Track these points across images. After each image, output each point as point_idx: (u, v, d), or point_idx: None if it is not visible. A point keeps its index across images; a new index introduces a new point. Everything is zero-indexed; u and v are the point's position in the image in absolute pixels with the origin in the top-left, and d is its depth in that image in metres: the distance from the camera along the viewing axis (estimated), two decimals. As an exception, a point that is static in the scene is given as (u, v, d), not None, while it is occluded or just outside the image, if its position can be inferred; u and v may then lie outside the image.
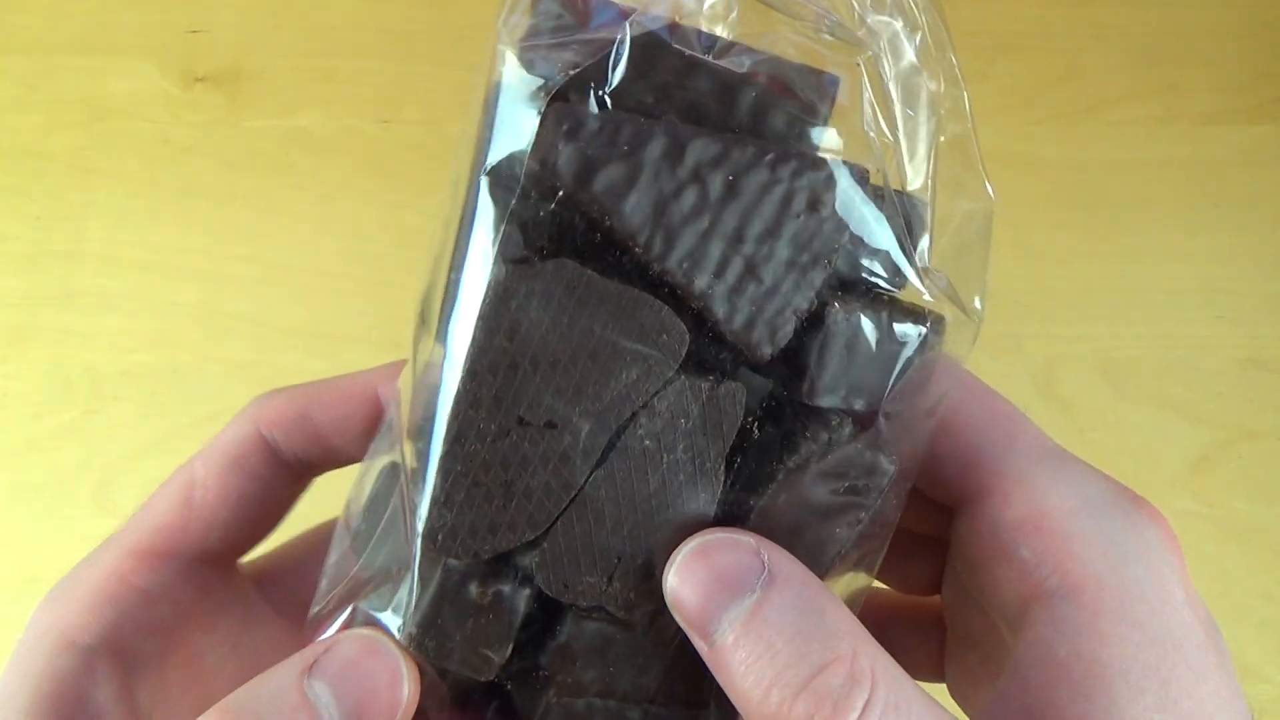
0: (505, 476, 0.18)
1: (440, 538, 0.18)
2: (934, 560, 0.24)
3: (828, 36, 0.19)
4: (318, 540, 0.26)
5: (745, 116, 0.19)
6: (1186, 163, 0.50)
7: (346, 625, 0.21)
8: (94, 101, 0.51)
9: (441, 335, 0.19)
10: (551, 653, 0.20)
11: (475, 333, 0.18)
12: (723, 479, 0.19)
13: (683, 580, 0.18)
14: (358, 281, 0.48)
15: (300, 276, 0.49)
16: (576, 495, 0.19)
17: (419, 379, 0.20)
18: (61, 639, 0.20)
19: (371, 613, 0.20)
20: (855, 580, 0.22)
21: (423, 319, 0.20)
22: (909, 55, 0.20)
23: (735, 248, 0.18)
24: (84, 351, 0.48)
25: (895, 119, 0.20)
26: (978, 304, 0.22)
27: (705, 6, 0.19)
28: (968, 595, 0.22)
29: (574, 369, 0.18)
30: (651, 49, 0.18)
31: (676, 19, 0.19)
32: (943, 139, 0.21)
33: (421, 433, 0.19)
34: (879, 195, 0.19)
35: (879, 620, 0.25)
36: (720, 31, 0.19)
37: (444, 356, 0.19)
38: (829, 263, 0.19)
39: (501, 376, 0.18)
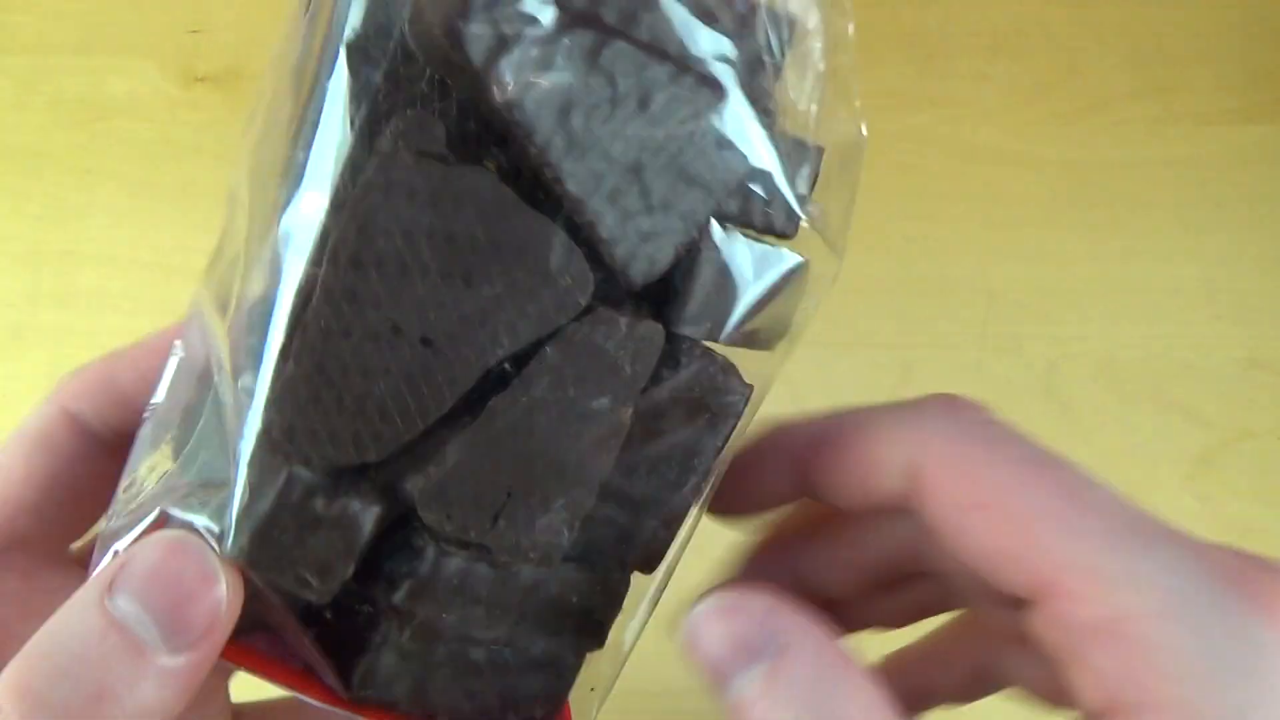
0: (362, 385, 0.17)
1: (275, 434, 0.17)
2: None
3: None
4: None
5: (656, 35, 0.18)
6: (1186, 163, 0.50)
7: (155, 529, 0.19)
8: (94, 101, 0.51)
9: (275, 222, 0.17)
10: (406, 588, 0.18)
11: (364, 220, 0.16)
12: (628, 424, 0.18)
13: (699, 631, 0.18)
14: (358, 281, 0.48)
15: (300, 276, 0.49)
16: (461, 423, 0.17)
17: (244, 263, 0.19)
18: None
19: (185, 517, 0.18)
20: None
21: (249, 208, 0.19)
22: None
23: (634, 170, 0.17)
24: (84, 351, 0.47)
25: (784, 45, 0.19)
26: (842, 239, 0.21)
27: None
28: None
29: (468, 288, 0.17)
30: None
31: None
32: (822, 68, 0.20)
33: (253, 327, 0.17)
34: (768, 120, 0.19)
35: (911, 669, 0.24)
36: None
37: (284, 246, 0.17)
38: (719, 199, 0.18)
39: (379, 276, 0.16)
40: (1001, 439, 0.19)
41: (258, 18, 0.53)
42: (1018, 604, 0.19)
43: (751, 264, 0.19)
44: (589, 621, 0.21)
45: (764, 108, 0.18)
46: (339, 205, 0.16)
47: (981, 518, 0.18)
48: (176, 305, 0.48)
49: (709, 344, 0.19)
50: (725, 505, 0.22)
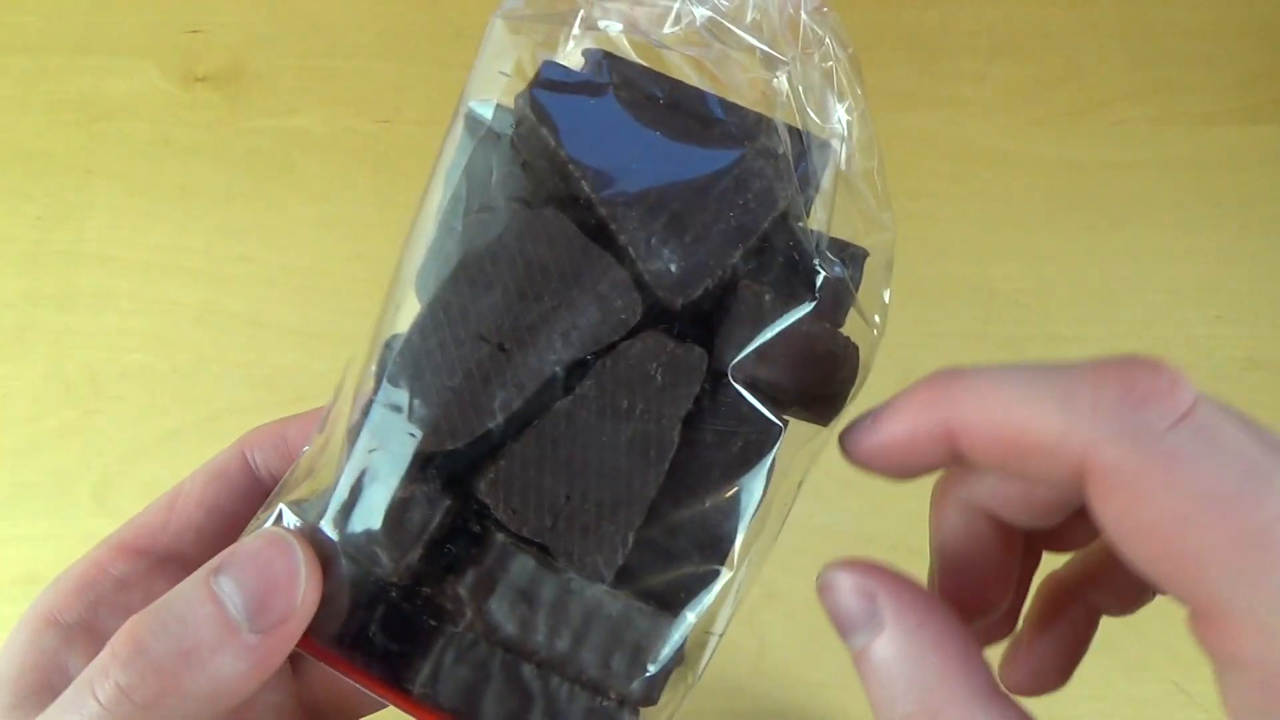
0: (448, 380, 0.20)
1: (376, 420, 0.20)
2: None
3: (762, 46, 0.22)
4: None
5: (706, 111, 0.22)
6: (1186, 163, 0.50)
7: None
8: (94, 101, 0.51)
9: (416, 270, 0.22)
10: (472, 577, 0.21)
11: (463, 246, 0.21)
12: (676, 445, 0.21)
13: (822, 596, 0.19)
14: (358, 281, 0.48)
15: (300, 276, 0.49)
16: (523, 424, 0.20)
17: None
18: (46, 618, 0.23)
19: (296, 510, 0.22)
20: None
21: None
22: (826, 85, 0.23)
23: (665, 200, 0.21)
24: (84, 351, 0.48)
25: (807, 151, 0.23)
26: (878, 319, 0.24)
27: (664, 28, 0.23)
28: None
29: (536, 304, 0.20)
30: (628, 65, 0.22)
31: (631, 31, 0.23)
32: (844, 169, 0.24)
33: (376, 361, 0.21)
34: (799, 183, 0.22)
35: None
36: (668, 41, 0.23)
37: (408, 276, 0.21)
38: (748, 238, 0.21)
39: (474, 292, 0.20)
40: (1184, 457, 0.16)
41: (258, 18, 0.53)
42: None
43: (779, 306, 0.21)
44: (640, 662, 0.21)
45: (784, 176, 0.22)
46: (457, 244, 0.21)
47: (1147, 545, 0.17)
48: (176, 305, 0.48)
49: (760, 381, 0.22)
50: (871, 454, 0.20)
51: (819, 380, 0.22)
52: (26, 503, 0.45)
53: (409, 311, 0.21)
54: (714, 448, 0.21)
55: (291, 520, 0.22)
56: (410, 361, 0.20)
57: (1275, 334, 0.48)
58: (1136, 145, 0.51)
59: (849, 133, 0.23)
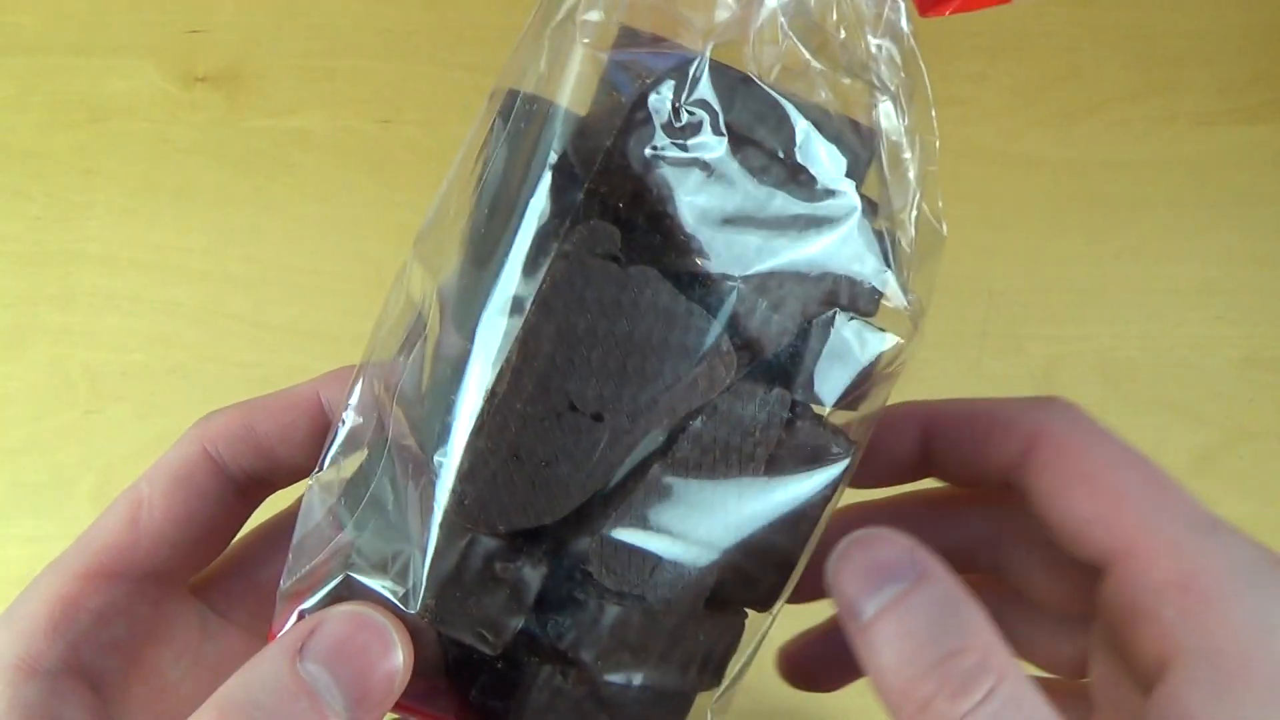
0: (542, 457, 0.19)
1: (466, 505, 0.19)
2: (1080, 640, 0.24)
3: (846, 80, 0.22)
4: (252, 545, 0.26)
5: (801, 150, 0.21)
6: (1186, 163, 0.50)
7: (335, 596, 0.21)
8: (94, 101, 0.51)
9: (470, 319, 0.20)
10: (573, 635, 0.20)
11: (545, 313, 0.19)
12: (762, 480, 0.21)
13: (842, 561, 0.20)
14: (358, 281, 0.48)
15: (300, 276, 0.49)
16: (624, 488, 0.20)
17: (430, 354, 0.21)
18: (21, 668, 0.21)
19: (368, 583, 0.20)
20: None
21: (439, 301, 0.22)
22: (902, 102, 0.24)
23: (765, 254, 0.20)
24: (84, 351, 0.48)
25: (896, 160, 0.23)
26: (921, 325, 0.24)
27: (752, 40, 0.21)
28: (1115, 672, 0.22)
29: (635, 370, 0.19)
30: (724, 78, 0.20)
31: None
32: (912, 176, 0.24)
33: (438, 408, 0.20)
34: (878, 227, 0.22)
35: None
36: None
37: (477, 340, 0.20)
38: (833, 284, 0.21)
39: (557, 361, 0.19)
40: (1104, 432, 0.22)
41: (258, 18, 0.53)
42: (1087, 578, 0.22)
43: (857, 342, 0.22)
44: (710, 662, 0.22)
45: (869, 208, 0.22)
46: (534, 303, 0.19)
47: (1083, 489, 0.21)
48: (176, 305, 0.48)
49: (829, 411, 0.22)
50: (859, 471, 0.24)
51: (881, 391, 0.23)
52: (26, 503, 0.45)
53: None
54: (789, 470, 0.21)
55: (362, 589, 0.21)
56: (501, 439, 0.19)
57: (1275, 334, 0.48)
58: (1136, 145, 0.51)
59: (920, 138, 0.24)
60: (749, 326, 0.20)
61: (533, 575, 0.20)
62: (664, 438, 0.20)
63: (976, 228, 0.49)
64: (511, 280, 0.19)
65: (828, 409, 0.22)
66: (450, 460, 0.19)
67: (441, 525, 0.19)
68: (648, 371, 0.19)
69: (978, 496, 0.26)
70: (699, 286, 0.20)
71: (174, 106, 0.51)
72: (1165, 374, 0.47)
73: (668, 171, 0.19)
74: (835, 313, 0.21)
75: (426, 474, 0.20)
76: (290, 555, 0.22)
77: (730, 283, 0.20)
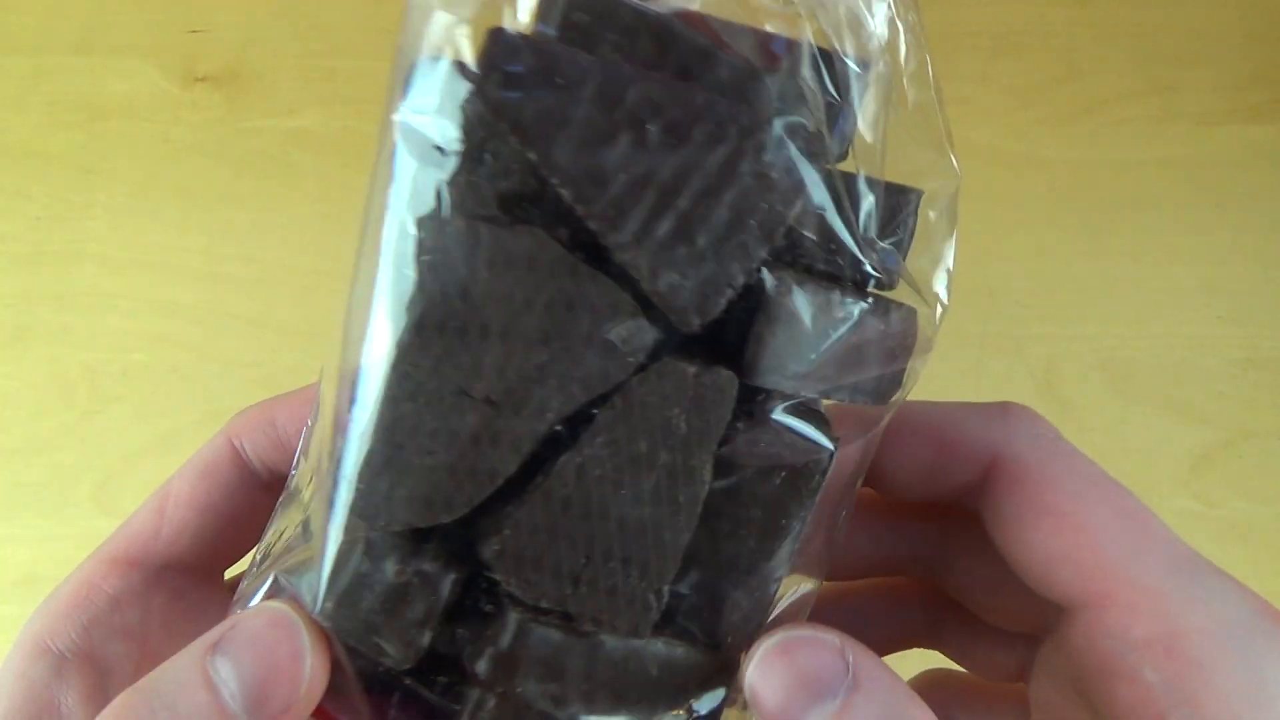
0: (430, 447, 0.17)
1: (356, 501, 0.17)
2: (1022, 651, 0.22)
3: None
4: None
5: (685, 66, 0.17)
6: (1186, 163, 0.50)
7: (269, 596, 0.20)
8: (94, 101, 0.51)
9: (363, 299, 0.18)
10: (490, 659, 0.18)
11: (424, 286, 0.16)
12: (709, 484, 0.18)
13: (763, 677, 0.17)
14: (358, 281, 0.48)
15: (300, 276, 0.49)
16: (533, 484, 0.17)
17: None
18: (36, 646, 0.21)
19: (289, 583, 0.19)
20: (802, 584, 0.20)
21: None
22: (867, 17, 0.19)
23: (668, 202, 0.16)
24: (84, 351, 0.48)
25: (846, 79, 0.18)
26: (940, 290, 0.20)
27: None
28: (1061, 697, 0.20)
29: (528, 347, 0.17)
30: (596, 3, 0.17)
31: None
32: (900, 106, 0.19)
33: (344, 397, 0.18)
34: (819, 158, 0.18)
35: (953, 700, 0.24)
36: None
37: (368, 314, 0.17)
38: (773, 235, 0.17)
39: (446, 340, 0.17)
40: (1076, 456, 0.20)
41: (258, 18, 0.53)
42: (1040, 628, 0.20)
43: (826, 311, 0.18)
44: (678, 702, 0.19)
45: (812, 147, 0.17)
46: (433, 269, 0.17)
47: (1050, 522, 0.19)
48: (176, 305, 0.48)
49: (803, 399, 0.18)
50: None
51: (873, 375, 0.19)
52: (26, 503, 0.45)
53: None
54: (754, 482, 0.18)
55: (288, 590, 0.19)
56: (385, 429, 0.17)
57: (1275, 334, 0.48)
58: (1136, 145, 0.51)
59: (906, 53, 0.19)
60: (661, 290, 0.17)
61: (442, 581, 0.18)
62: (562, 429, 0.17)
63: (976, 227, 0.49)
64: (388, 256, 0.17)
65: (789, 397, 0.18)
66: (346, 453, 0.18)
67: (336, 524, 0.18)
68: (537, 347, 0.17)
69: (920, 510, 0.24)
70: (590, 245, 0.17)
71: (174, 106, 0.51)
72: (1165, 374, 0.47)
73: (525, 99, 0.16)
74: (782, 274, 0.17)
75: (330, 466, 0.18)
76: (255, 553, 0.22)
77: (630, 238, 0.16)
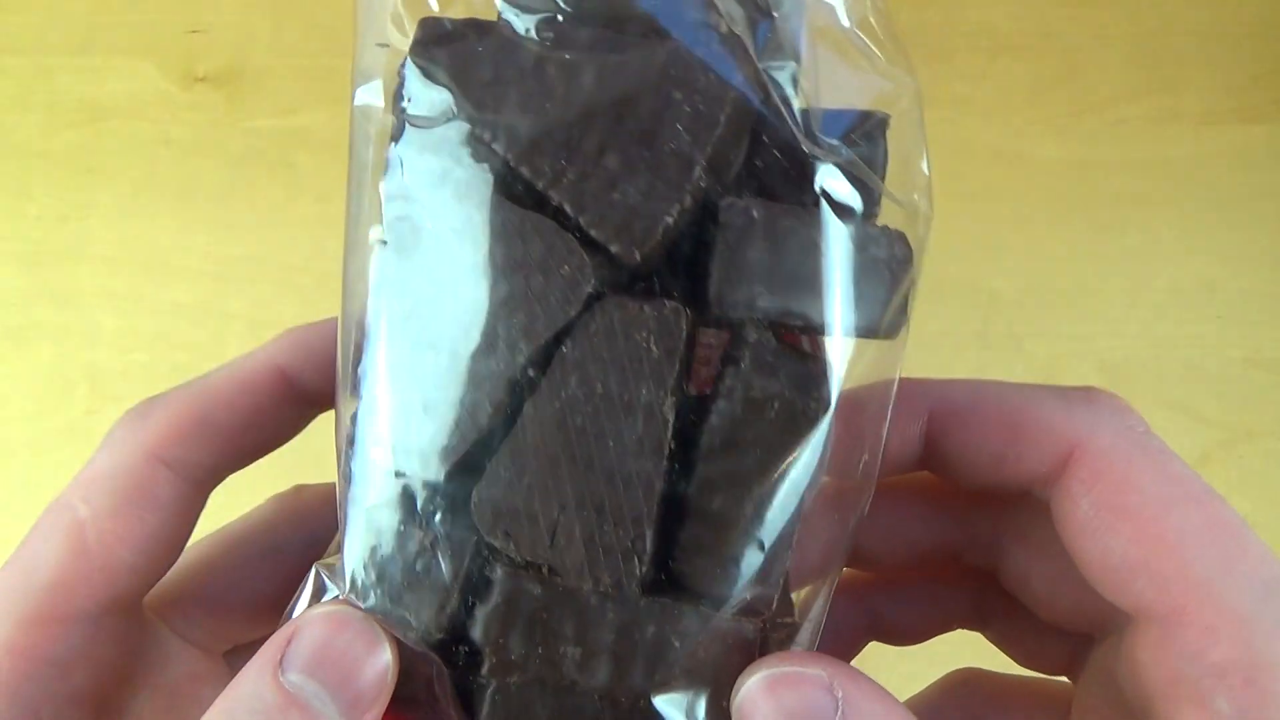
0: (416, 398, 0.17)
1: (358, 463, 0.18)
2: (1074, 647, 0.21)
3: None
4: (205, 558, 0.23)
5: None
6: (1186, 163, 0.50)
7: (314, 594, 0.19)
8: (94, 101, 0.51)
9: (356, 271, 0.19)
10: (482, 620, 0.18)
11: (395, 256, 0.18)
12: (670, 422, 0.17)
13: (751, 712, 0.16)
14: (358, 281, 0.48)
15: (300, 276, 0.49)
16: (504, 433, 0.17)
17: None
18: None
19: (325, 577, 0.19)
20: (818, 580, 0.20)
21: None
22: None
23: (585, 134, 0.17)
24: (84, 351, 0.48)
25: None
26: (918, 199, 0.19)
27: None
28: (1113, 706, 0.19)
29: (479, 294, 0.17)
30: None
31: None
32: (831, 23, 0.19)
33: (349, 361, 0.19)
34: (742, 61, 0.17)
35: (984, 701, 0.23)
36: None
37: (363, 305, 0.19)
38: (706, 143, 0.17)
39: (409, 300, 0.18)
40: (1166, 454, 0.18)
41: (258, 18, 0.53)
42: (1098, 629, 0.18)
43: (796, 231, 0.17)
44: (676, 667, 0.18)
45: (729, 47, 0.17)
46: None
47: (1130, 526, 0.17)
48: (176, 305, 0.48)
49: (788, 326, 0.18)
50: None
51: (862, 296, 0.18)
52: (26, 503, 0.45)
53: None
54: (746, 419, 0.17)
55: (330, 591, 0.19)
56: (371, 393, 0.18)
57: (1275, 334, 0.48)
58: (1136, 145, 0.51)
59: None
60: (604, 225, 0.16)
61: (463, 547, 0.18)
62: (532, 372, 0.17)
63: (977, 228, 0.49)
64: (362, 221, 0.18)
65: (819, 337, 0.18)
66: (360, 412, 0.18)
67: (358, 490, 0.18)
68: (490, 290, 0.17)
69: (980, 497, 0.22)
70: (532, 193, 0.17)
71: (174, 106, 0.51)
72: (1165, 374, 0.47)
73: (451, 66, 0.17)
74: (736, 199, 0.17)
75: (344, 434, 0.18)
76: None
77: (562, 177, 0.16)
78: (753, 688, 0.16)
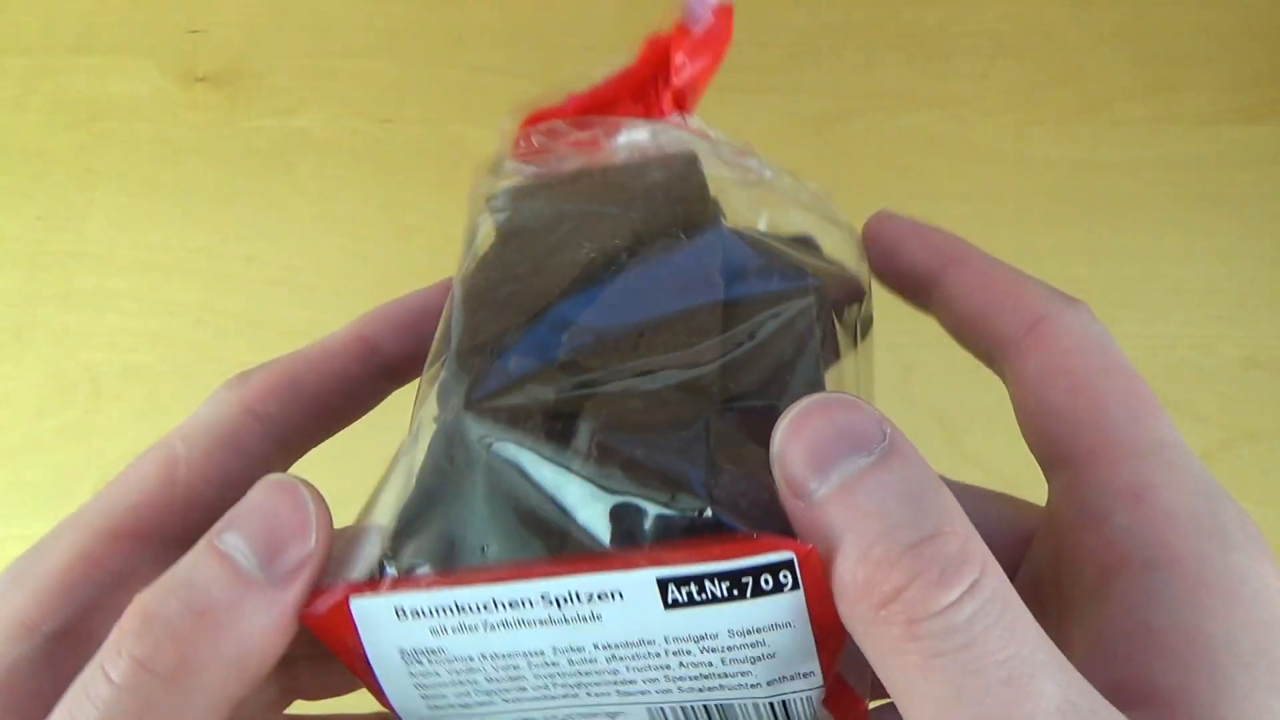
0: (497, 294, 0.20)
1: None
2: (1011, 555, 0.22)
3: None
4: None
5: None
6: (1186, 163, 0.50)
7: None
8: (94, 101, 0.51)
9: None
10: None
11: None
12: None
13: (798, 425, 0.16)
14: (358, 281, 0.48)
15: (300, 276, 0.49)
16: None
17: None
18: (20, 626, 0.19)
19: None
20: None
21: None
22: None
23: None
24: (84, 351, 0.48)
25: None
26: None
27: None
28: (1040, 578, 0.20)
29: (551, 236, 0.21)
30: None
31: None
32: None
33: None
34: None
35: None
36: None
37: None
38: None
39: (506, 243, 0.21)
40: (1114, 345, 0.21)
41: (258, 18, 0.53)
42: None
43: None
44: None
45: None
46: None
47: (1066, 381, 0.20)
48: (176, 305, 0.48)
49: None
50: (886, 227, 0.25)
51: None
52: (26, 503, 0.45)
53: None
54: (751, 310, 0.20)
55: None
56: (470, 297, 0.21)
57: (1275, 334, 0.48)
58: (1136, 145, 0.51)
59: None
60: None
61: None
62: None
63: (977, 228, 0.49)
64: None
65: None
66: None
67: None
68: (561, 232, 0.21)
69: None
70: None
71: (174, 106, 0.51)
72: (1165, 374, 0.47)
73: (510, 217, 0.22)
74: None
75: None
76: None
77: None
78: (805, 405, 0.17)
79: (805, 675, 0.17)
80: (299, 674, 0.24)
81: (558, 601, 0.16)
